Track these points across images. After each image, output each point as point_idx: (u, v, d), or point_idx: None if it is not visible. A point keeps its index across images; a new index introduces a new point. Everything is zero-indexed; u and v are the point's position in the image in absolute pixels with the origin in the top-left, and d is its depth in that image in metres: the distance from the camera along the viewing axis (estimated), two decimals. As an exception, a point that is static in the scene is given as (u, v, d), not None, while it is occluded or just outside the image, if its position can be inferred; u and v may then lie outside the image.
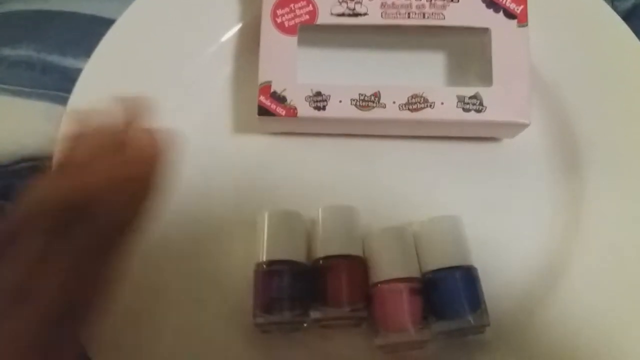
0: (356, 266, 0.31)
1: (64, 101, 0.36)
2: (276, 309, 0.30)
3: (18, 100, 0.37)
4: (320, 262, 0.31)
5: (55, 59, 0.38)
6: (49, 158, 0.32)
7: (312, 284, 0.31)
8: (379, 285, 0.31)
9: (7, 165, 0.36)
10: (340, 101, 0.33)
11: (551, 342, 0.32)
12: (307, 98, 0.33)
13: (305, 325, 0.32)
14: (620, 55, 0.36)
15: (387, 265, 0.31)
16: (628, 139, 0.35)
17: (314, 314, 0.31)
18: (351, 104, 0.33)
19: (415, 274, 0.31)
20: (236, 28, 0.38)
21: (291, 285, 0.31)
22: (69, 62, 0.38)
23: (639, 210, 0.34)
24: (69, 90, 0.36)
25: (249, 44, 0.36)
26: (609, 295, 0.32)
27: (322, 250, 0.32)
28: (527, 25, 0.33)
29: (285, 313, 0.30)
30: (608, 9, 0.37)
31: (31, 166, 0.36)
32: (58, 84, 0.37)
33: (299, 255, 0.32)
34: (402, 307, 0.30)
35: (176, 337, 0.32)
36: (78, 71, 0.36)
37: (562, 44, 0.36)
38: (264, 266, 0.31)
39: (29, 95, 0.37)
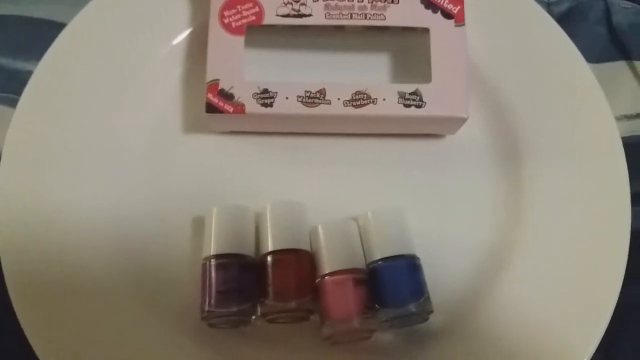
0: (303, 260, 0.32)
1: (13, 103, 0.36)
2: (223, 302, 0.30)
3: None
4: (268, 256, 0.32)
5: (5, 61, 0.38)
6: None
7: (259, 278, 0.31)
8: (324, 277, 0.31)
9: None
10: (287, 98, 0.34)
11: (496, 330, 0.32)
12: (255, 95, 0.34)
13: (253, 318, 0.32)
14: (552, 53, 0.38)
15: (332, 258, 0.32)
16: (563, 132, 0.36)
17: (262, 308, 0.31)
18: (297, 100, 0.34)
19: (360, 265, 0.32)
20: (187, 31, 0.38)
21: (239, 278, 0.31)
22: (19, 64, 0.38)
23: (578, 201, 0.35)
24: (19, 93, 0.36)
25: (199, 46, 0.37)
26: (551, 284, 0.33)
27: (270, 244, 0.32)
28: (464, 24, 0.35)
29: (232, 306, 0.30)
30: (541, 10, 0.38)
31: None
32: (8, 86, 0.37)
33: (247, 250, 0.32)
34: (347, 298, 0.31)
35: (123, 335, 0.32)
36: (29, 73, 0.36)
37: (499, 43, 0.38)
38: (212, 260, 0.31)
39: (-21, 97, 0.37)
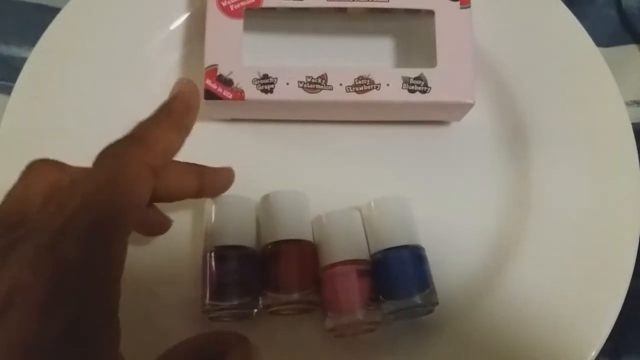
0: (306, 251, 0.31)
1: (8, 90, 0.35)
2: (225, 295, 0.30)
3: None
4: (270, 247, 0.31)
5: (-1, 47, 0.37)
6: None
7: (261, 269, 0.31)
8: (327, 268, 0.31)
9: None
10: (288, 84, 0.33)
11: (503, 321, 0.32)
12: (254, 81, 0.33)
13: (255, 311, 0.31)
14: (561, 36, 0.37)
15: (336, 249, 0.31)
16: (572, 118, 0.35)
17: (264, 300, 0.31)
18: (298, 86, 0.33)
19: (364, 256, 0.31)
20: (185, 15, 0.37)
21: (240, 270, 0.30)
22: (13, 51, 0.37)
23: (587, 189, 0.34)
24: (13, 80, 0.35)
25: (197, 31, 0.36)
26: (560, 274, 0.32)
27: (272, 235, 0.31)
28: (469, 7, 0.33)
29: (234, 299, 0.30)
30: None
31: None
32: (1, 73, 0.36)
33: (249, 241, 0.31)
34: (351, 289, 0.30)
35: (123, 329, 0.31)
36: (22, 60, 0.35)
37: (506, 26, 0.37)
38: (212, 252, 0.30)
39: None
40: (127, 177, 0.21)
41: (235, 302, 0.30)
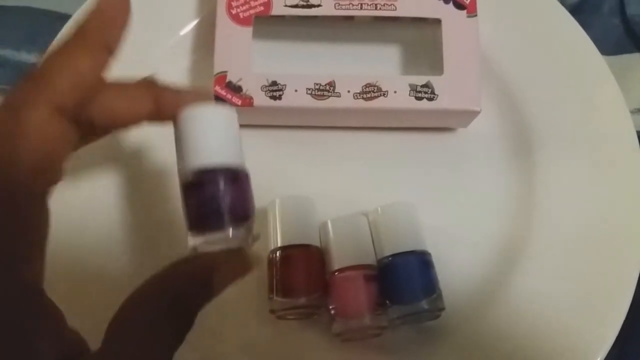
0: (313, 256, 0.31)
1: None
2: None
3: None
4: (277, 252, 0.31)
5: (8, 53, 0.37)
6: None
7: (268, 274, 0.31)
8: (335, 273, 0.31)
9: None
10: (296, 90, 0.33)
11: (509, 327, 0.32)
12: (263, 88, 0.33)
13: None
14: (566, 45, 0.37)
15: (343, 254, 0.31)
16: (577, 125, 0.36)
17: (271, 304, 0.31)
18: (307, 93, 0.33)
19: (371, 261, 0.31)
20: (194, 22, 0.38)
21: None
22: (23, 57, 0.37)
23: (592, 196, 0.34)
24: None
25: (207, 37, 0.36)
26: (565, 280, 0.33)
27: (279, 240, 0.31)
28: (476, 15, 0.34)
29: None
30: (554, 1, 0.38)
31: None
32: (12, 79, 0.37)
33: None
34: (358, 294, 0.30)
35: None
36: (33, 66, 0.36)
37: (512, 34, 0.37)
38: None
39: (-20, 89, 0.36)
40: (17, 129, 0.17)
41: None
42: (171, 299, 0.18)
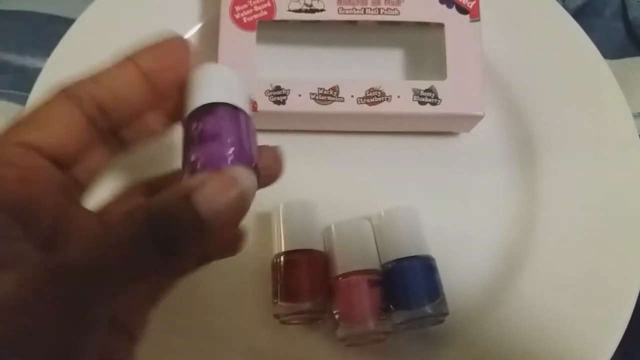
0: (316, 260, 0.31)
1: (22, 100, 0.36)
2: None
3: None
4: (281, 257, 0.31)
5: (12, 58, 0.37)
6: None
7: (272, 279, 0.31)
8: (339, 278, 0.31)
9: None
10: (300, 95, 0.33)
11: (512, 331, 0.32)
12: (267, 92, 0.33)
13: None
14: (568, 49, 0.37)
15: (347, 259, 0.31)
16: (579, 130, 0.36)
17: (275, 309, 0.31)
18: (310, 98, 0.33)
19: (375, 265, 0.32)
20: (198, 26, 0.38)
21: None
22: (27, 61, 0.38)
23: (595, 200, 0.34)
24: (28, 89, 0.35)
25: (210, 41, 0.36)
26: (568, 284, 0.33)
27: (283, 245, 0.32)
28: (479, 20, 0.34)
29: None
30: (557, 5, 0.38)
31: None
32: (16, 83, 0.37)
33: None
34: (362, 299, 0.30)
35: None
36: (37, 70, 0.36)
37: (515, 38, 0.37)
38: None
39: (-15, 94, 0.37)
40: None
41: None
42: (152, 222, 0.17)
